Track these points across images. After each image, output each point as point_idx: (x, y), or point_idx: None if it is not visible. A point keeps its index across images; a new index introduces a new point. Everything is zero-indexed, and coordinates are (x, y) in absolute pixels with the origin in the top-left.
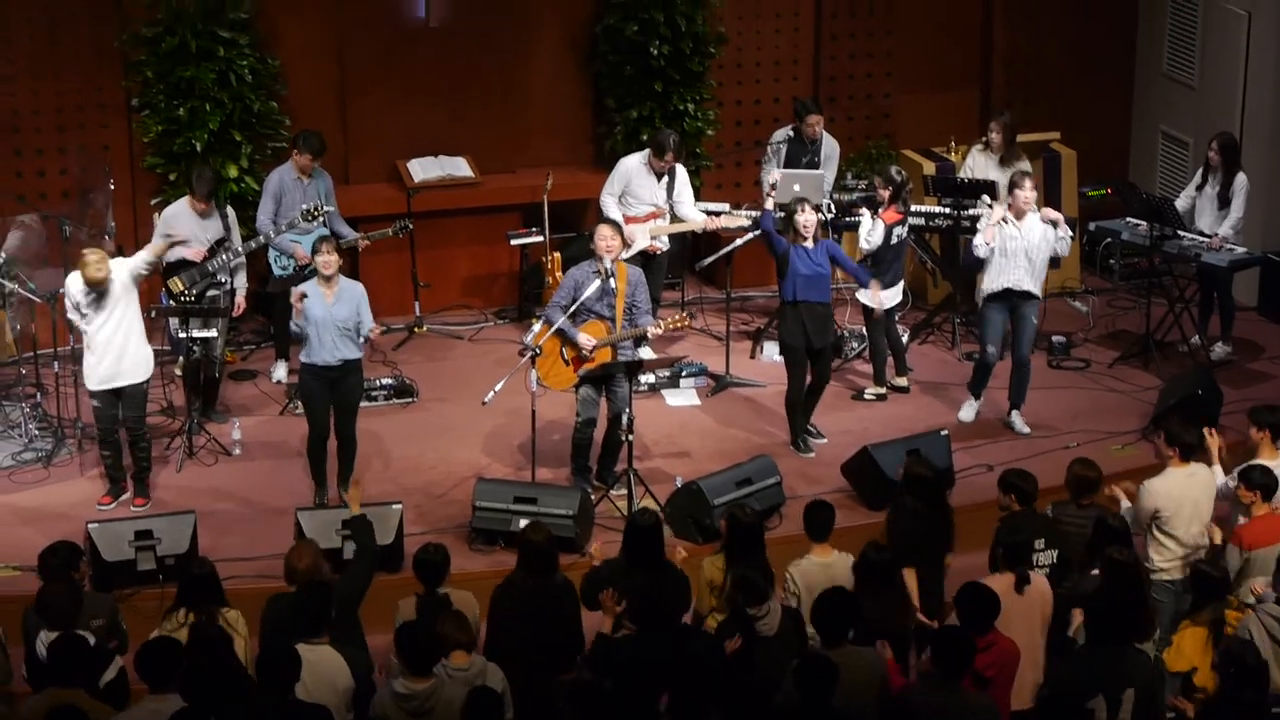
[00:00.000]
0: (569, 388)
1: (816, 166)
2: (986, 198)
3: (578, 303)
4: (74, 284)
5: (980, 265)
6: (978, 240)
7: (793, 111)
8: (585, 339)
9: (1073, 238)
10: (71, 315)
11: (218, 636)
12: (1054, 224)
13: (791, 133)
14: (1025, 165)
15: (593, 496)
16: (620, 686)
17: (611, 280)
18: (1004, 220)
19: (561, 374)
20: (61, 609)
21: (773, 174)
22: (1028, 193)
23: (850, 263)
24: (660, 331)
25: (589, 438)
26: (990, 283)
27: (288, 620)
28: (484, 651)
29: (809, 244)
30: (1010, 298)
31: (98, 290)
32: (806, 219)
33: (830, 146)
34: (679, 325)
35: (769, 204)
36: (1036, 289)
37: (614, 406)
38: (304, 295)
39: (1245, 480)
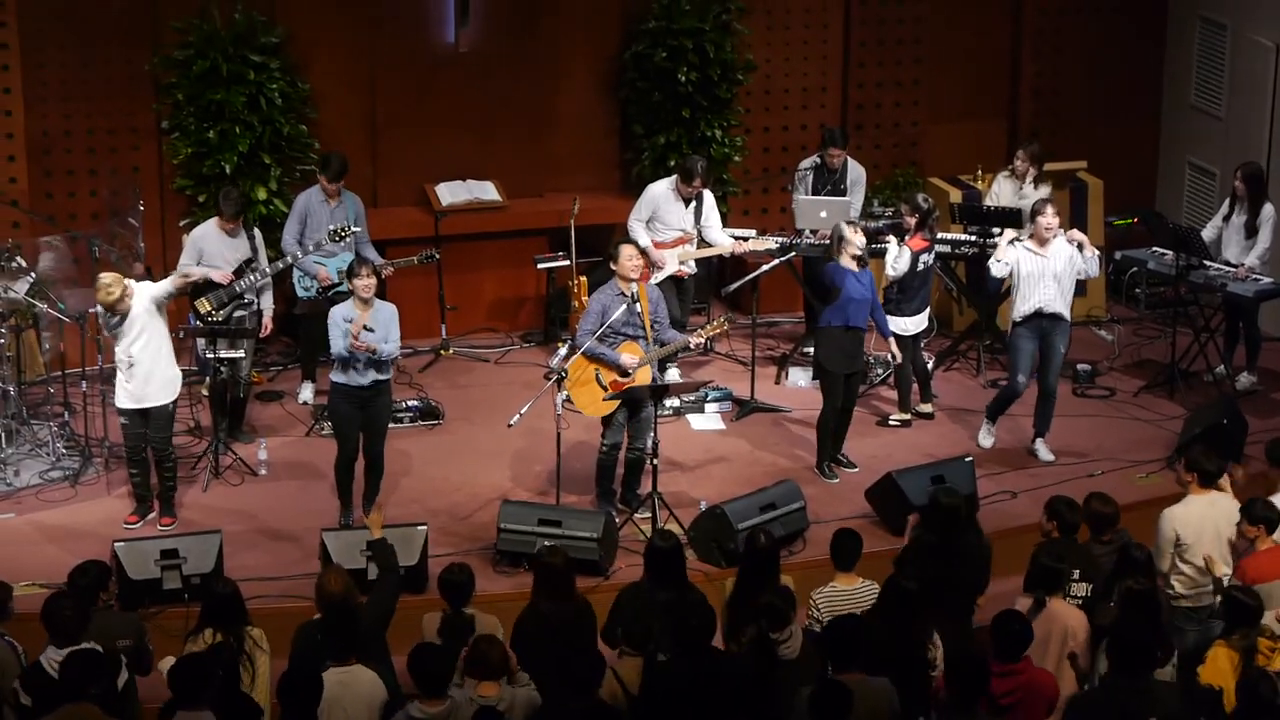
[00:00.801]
0: (609, 412)
1: (841, 193)
2: (893, 238)
3: (605, 325)
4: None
5: (1008, 293)
6: (993, 260)
7: (820, 139)
8: (629, 359)
9: (1101, 258)
10: (105, 333)
11: (233, 660)
12: (1080, 246)
13: (818, 160)
14: (1045, 193)
15: (617, 519)
16: (659, 712)
17: (636, 302)
18: (1017, 240)
19: (597, 399)
20: (65, 625)
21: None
22: (1049, 219)
23: (880, 310)
24: (702, 342)
25: (614, 460)
26: (1020, 306)
27: (316, 645)
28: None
29: (856, 267)
30: (1040, 321)
31: (115, 313)
32: (858, 239)
33: (856, 173)
34: (719, 330)
35: (845, 259)
36: (1066, 311)
37: (637, 428)
38: (366, 328)
39: (1248, 515)
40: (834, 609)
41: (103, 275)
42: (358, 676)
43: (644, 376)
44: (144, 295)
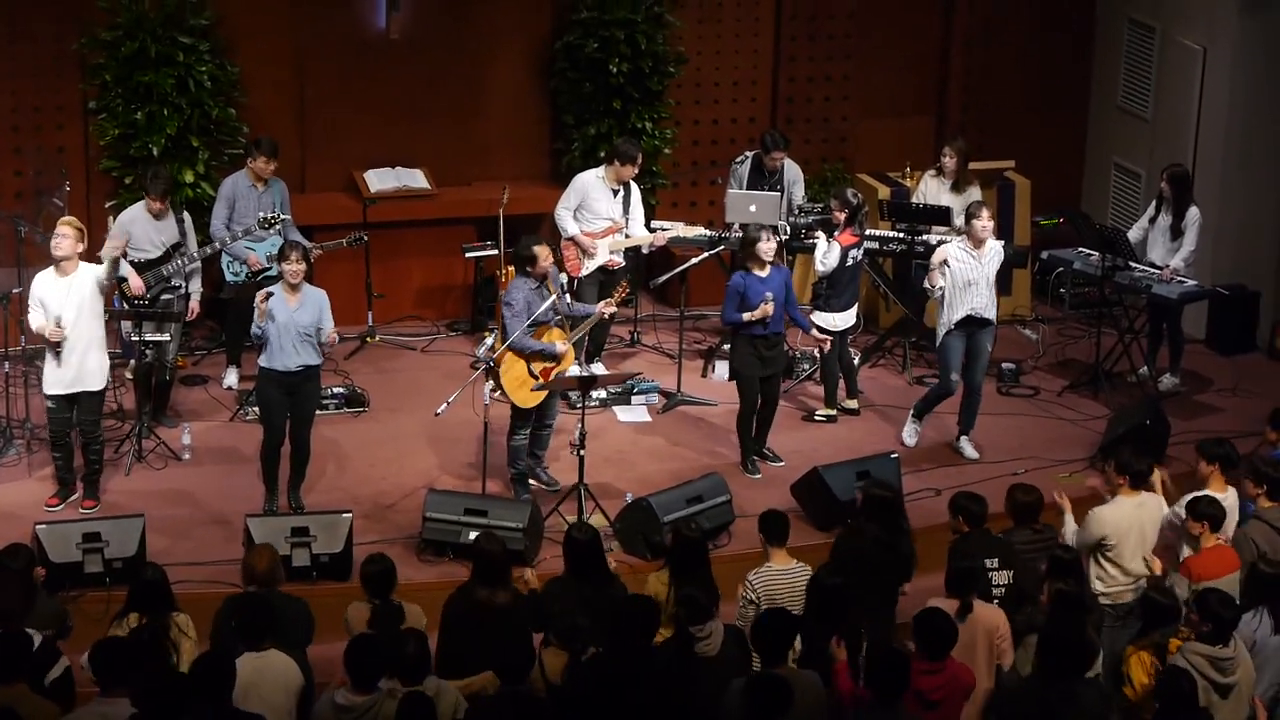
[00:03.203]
0: (539, 402)
1: (780, 192)
2: (942, 231)
3: (530, 318)
4: (41, 283)
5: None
6: (927, 284)
7: (761, 142)
8: (560, 346)
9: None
10: (34, 316)
11: (157, 645)
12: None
13: (748, 157)
14: (976, 192)
15: (535, 498)
16: (589, 707)
17: (545, 287)
18: (945, 263)
19: (528, 390)
20: (12, 607)
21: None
22: (985, 221)
23: (795, 306)
24: (614, 309)
25: (526, 441)
26: (952, 313)
27: (230, 628)
28: (435, 662)
29: (763, 272)
30: (970, 324)
31: (65, 268)
32: (768, 246)
33: (793, 172)
34: (622, 295)
35: (753, 265)
36: (994, 315)
37: (544, 406)
38: (269, 294)
39: (1192, 512)
40: (770, 590)
41: (65, 221)
42: (271, 662)
43: (569, 359)
44: (90, 275)
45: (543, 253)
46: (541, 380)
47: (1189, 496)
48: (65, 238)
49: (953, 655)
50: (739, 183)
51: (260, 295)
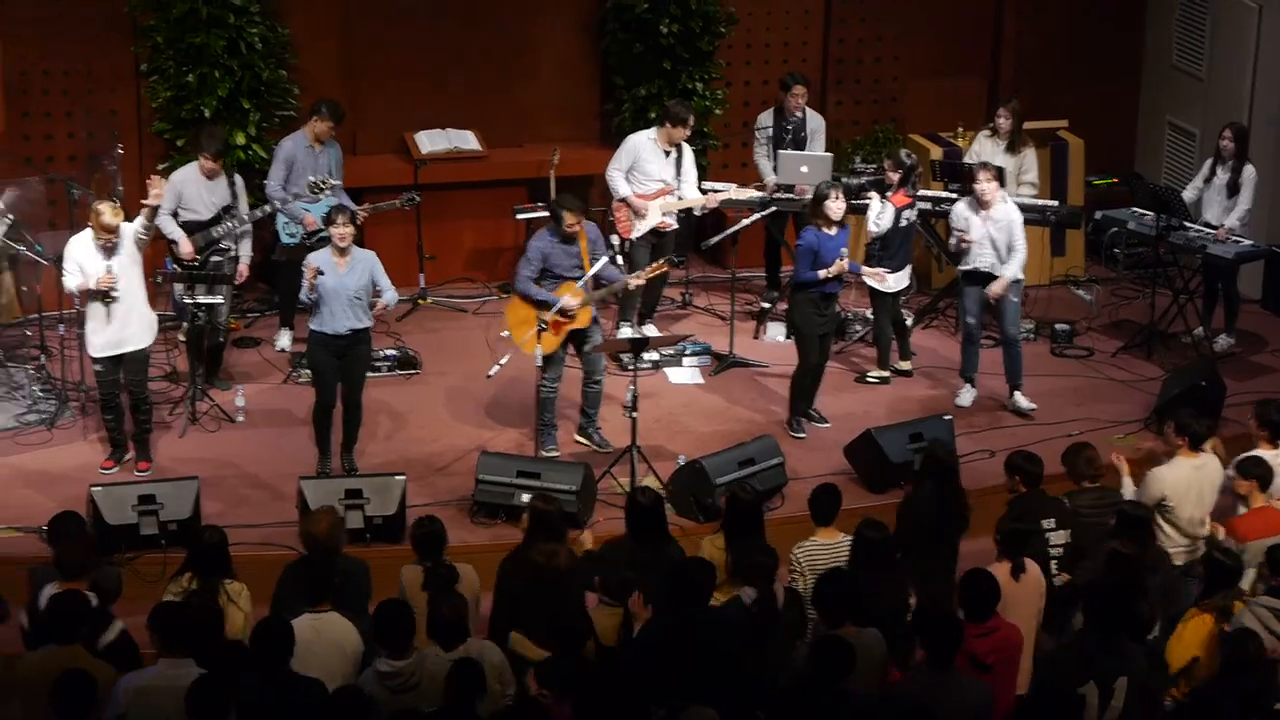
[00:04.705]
0: (556, 349)
1: (801, 144)
2: (875, 194)
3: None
4: (78, 246)
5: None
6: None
7: (780, 82)
8: (569, 300)
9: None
10: (70, 278)
11: (208, 610)
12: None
13: (774, 112)
14: (1031, 153)
15: (595, 472)
16: (650, 669)
17: (574, 244)
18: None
19: (546, 339)
20: (80, 563)
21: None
22: (982, 184)
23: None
24: (642, 283)
25: (556, 394)
26: (964, 263)
27: (292, 588)
28: (488, 625)
29: (832, 231)
30: (982, 279)
31: (110, 242)
32: (838, 205)
33: (816, 122)
34: (658, 272)
35: (821, 222)
36: (1005, 273)
37: (591, 363)
38: (319, 271)
39: (1241, 471)
40: (815, 564)
41: (99, 202)
42: (331, 623)
43: (584, 318)
44: (128, 233)
45: (569, 218)
46: (552, 331)
47: (1240, 457)
48: (103, 213)
49: (1006, 618)
50: (766, 138)
51: (309, 268)
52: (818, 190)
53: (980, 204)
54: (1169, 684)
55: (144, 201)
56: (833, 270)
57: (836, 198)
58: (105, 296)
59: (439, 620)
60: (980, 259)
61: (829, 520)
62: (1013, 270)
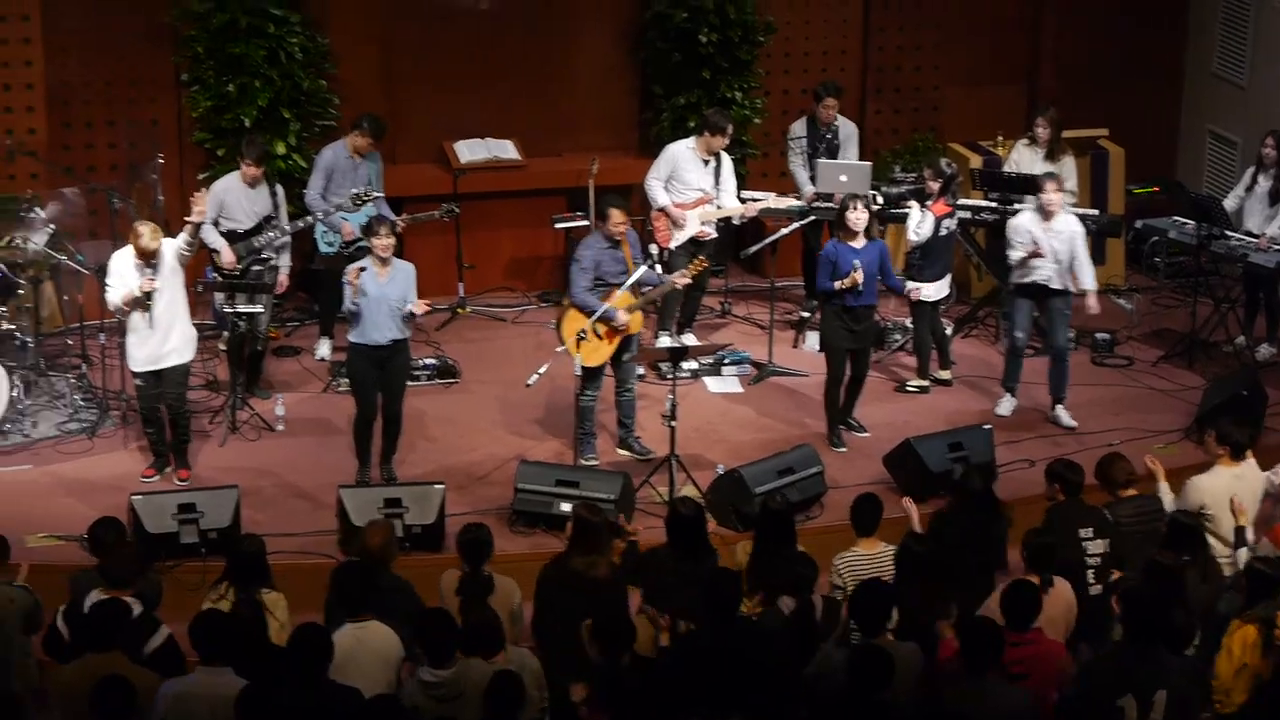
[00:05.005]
0: (607, 360)
1: (834, 151)
2: (915, 203)
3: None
4: (121, 260)
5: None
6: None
7: (814, 93)
8: (622, 314)
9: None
10: (113, 292)
11: (249, 618)
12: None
13: (807, 121)
14: (1070, 161)
15: (634, 480)
16: (688, 681)
17: (620, 249)
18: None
19: (596, 350)
20: (124, 573)
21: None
22: (1049, 195)
23: (891, 275)
24: (688, 281)
25: (595, 403)
26: (1019, 275)
27: (332, 598)
28: (530, 633)
29: (857, 243)
30: (1039, 291)
31: (150, 263)
32: (858, 216)
33: (848, 129)
34: (699, 269)
35: (845, 236)
36: (1067, 286)
37: (623, 372)
38: (362, 269)
39: None
40: (856, 574)
41: (139, 224)
42: (373, 632)
43: (637, 323)
44: (170, 250)
45: (617, 215)
46: (605, 339)
47: None
48: (142, 236)
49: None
50: (798, 145)
51: (351, 270)
52: (841, 202)
53: (1045, 214)
54: (1210, 699)
55: (187, 218)
56: (845, 283)
57: (856, 209)
58: (147, 299)
59: (468, 629)
60: (1040, 271)
61: (870, 530)
62: (1090, 281)
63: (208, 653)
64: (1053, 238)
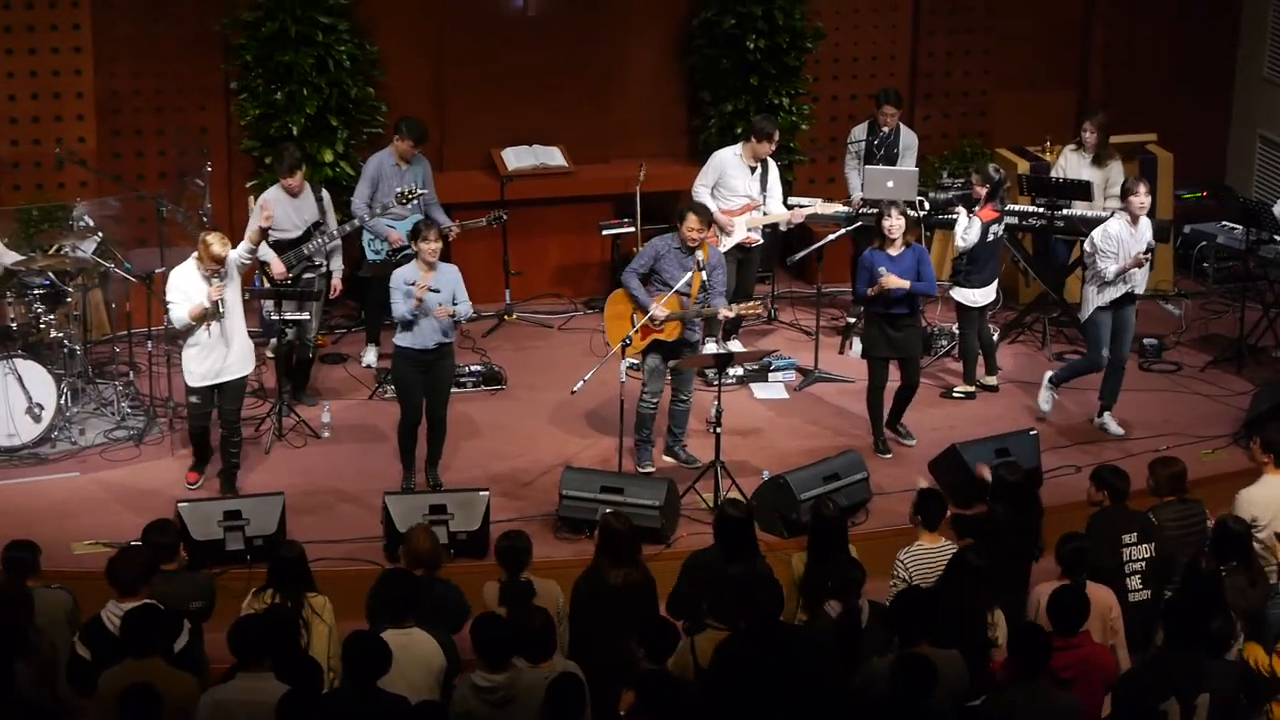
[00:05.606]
0: (636, 354)
1: (893, 159)
2: (963, 209)
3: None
4: (182, 276)
5: (1074, 265)
6: (1102, 267)
7: (875, 99)
8: (659, 309)
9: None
10: (176, 309)
11: (290, 622)
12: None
13: (868, 126)
14: (1117, 166)
15: (672, 477)
16: (728, 687)
17: (697, 254)
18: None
19: (617, 323)
20: (131, 579)
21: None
22: (1142, 198)
23: (929, 283)
24: (731, 315)
25: (655, 410)
26: (1111, 291)
27: (375, 604)
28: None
29: (894, 251)
30: (1120, 301)
31: (218, 272)
32: (894, 224)
33: (909, 138)
34: (750, 311)
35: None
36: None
37: (680, 380)
38: (428, 289)
39: None
40: (921, 569)
41: (206, 233)
42: (416, 640)
43: (673, 331)
44: (232, 261)
45: (693, 220)
46: (640, 334)
47: None
48: (212, 244)
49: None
50: (857, 151)
51: (419, 287)
52: (880, 208)
53: (1134, 219)
54: (1259, 703)
55: (260, 224)
56: (872, 290)
57: (891, 216)
58: (217, 310)
59: (530, 633)
60: (1133, 280)
61: (935, 525)
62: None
63: (245, 657)
64: (1136, 244)
